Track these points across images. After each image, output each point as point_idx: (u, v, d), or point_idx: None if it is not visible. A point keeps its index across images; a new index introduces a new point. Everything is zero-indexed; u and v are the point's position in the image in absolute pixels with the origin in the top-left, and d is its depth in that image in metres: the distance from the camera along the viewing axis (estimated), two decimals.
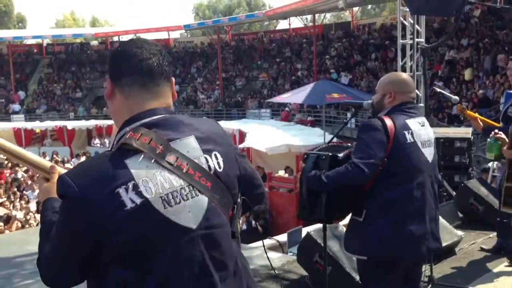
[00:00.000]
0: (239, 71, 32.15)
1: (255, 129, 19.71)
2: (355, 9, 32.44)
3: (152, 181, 1.36)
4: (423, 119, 2.90)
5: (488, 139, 4.15)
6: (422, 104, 8.04)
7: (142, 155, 1.38)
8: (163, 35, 37.75)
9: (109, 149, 1.48)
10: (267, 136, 17.87)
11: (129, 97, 1.49)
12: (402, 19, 8.52)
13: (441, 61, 20.48)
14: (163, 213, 1.36)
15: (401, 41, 8.53)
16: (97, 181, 1.34)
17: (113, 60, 1.54)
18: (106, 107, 32.16)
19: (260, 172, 15.62)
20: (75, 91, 34.79)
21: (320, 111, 19.68)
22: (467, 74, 17.68)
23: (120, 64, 1.51)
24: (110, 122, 26.27)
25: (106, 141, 25.95)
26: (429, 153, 2.82)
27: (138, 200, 1.34)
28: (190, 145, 1.45)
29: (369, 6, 45.31)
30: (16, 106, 33.41)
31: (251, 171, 1.71)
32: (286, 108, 23.97)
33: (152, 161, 1.38)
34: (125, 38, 37.55)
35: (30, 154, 1.82)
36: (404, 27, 8.63)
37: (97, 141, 26.20)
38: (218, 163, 1.49)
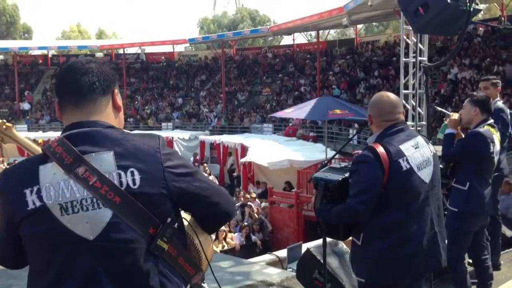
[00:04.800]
0: (243, 86, 32.28)
1: (257, 143, 19.75)
2: (359, 26, 32.64)
3: (55, 188, 1.50)
4: (416, 140, 2.81)
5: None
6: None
7: (53, 163, 1.53)
8: (168, 48, 38.02)
9: None
10: (269, 151, 17.89)
11: (65, 115, 1.64)
12: (405, 37, 8.57)
13: (444, 79, 20.55)
14: (59, 219, 1.48)
15: (404, 59, 8.57)
16: (15, 179, 1.56)
17: (55, 82, 1.69)
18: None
19: (262, 187, 15.62)
20: None
21: (322, 127, 19.70)
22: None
23: (58, 87, 1.67)
24: None
25: None
26: (426, 174, 2.76)
27: (38, 203, 1.49)
28: (104, 160, 1.52)
29: (373, 24, 45.55)
30: (26, 105, 33.74)
31: (197, 190, 1.65)
32: (290, 124, 24.03)
33: (61, 170, 1.51)
34: (130, 50, 37.89)
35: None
36: (407, 45, 8.68)
37: None
38: (134, 180, 1.52)
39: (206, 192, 1.67)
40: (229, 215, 1.79)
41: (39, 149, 2.07)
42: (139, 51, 38.45)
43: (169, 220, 1.57)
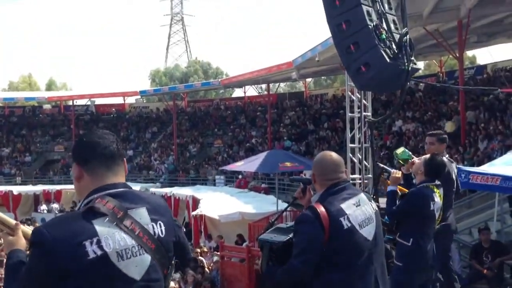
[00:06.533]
0: (194, 137, 32.28)
1: (208, 196, 19.55)
2: (308, 79, 33.64)
3: (112, 238, 1.76)
4: (358, 198, 2.84)
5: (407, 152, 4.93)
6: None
7: (107, 218, 1.78)
8: (118, 100, 37.70)
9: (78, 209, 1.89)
10: (220, 204, 17.73)
11: (96, 176, 1.91)
12: (350, 93, 8.91)
13: (389, 132, 21.28)
14: (117, 264, 1.75)
15: (350, 114, 8.88)
16: (68, 233, 1.73)
17: (80, 148, 1.97)
18: (54, 172, 31.72)
19: (216, 240, 15.33)
20: (24, 155, 33.85)
21: (274, 179, 19.81)
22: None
23: (87, 151, 1.94)
24: (59, 187, 25.45)
25: (54, 206, 25.04)
26: (368, 231, 2.77)
27: (99, 252, 1.72)
28: (142, 214, 1.87)
29: (322, 77, 47.09)
30: None
31: (184, 240, 2.16)
32: (240, 176, 24.03)
33: (114, 223, 1.78)
34: (79, 102, 37.35)
35: None
36: (352, 100, 9.01)
37: (44, 207, 25.18)
38: (161, 230, 1.90)
39: (185, 241, 2.18)
40: (191, 260, 2.35)
41: (10, 220, 2.14)
42: (89, 103, 38.00)
43: (173, 262, 1.97)
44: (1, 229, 2.13)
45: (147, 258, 1.82)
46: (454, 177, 5.30)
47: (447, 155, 5.50)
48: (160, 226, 1.89)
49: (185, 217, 21.16)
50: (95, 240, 1.72)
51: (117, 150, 1.96)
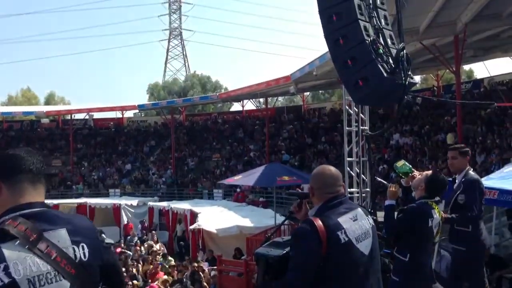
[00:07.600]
0: (192, 151, 32.28)
1: (206, 209, 19.52)
2: (306, 93, 33.74)
3: (22, 264, 1.61)
4: (355, 212, 2.84)
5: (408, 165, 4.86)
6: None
7: (17, 241, 1.64)
8: (116, 114, 37.76)
9: None
10: (218, 217, 17.69)
11: (17, 192, 1.78)
12: (347, 107, 8.95)
13: (387, 145, 21.32)
14: None
15: (347, 128, 8.91)
16: None
17: (4, 161, 1.83)
18: (51, 186, 31.72)
19: (209, 255, 15.29)
20: None
21: (272, 192, 19.78)
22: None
23: (13, 165, 1.81)
24: (56, 201, 25.37)
25: None
26: (365, 246, 2.77)
27: (6, 280, 1.57)
28: (61, 236, 1.73)
29: (320, 91, 47.21)
30: None
31: (114, 262, 2.03)
32: (238, 189, 23.98)
33: (25, 247, 1.64)
34: (77, 116, 37.37)
35: None
36: (350, 114, 9.04)
37: None
38: (84, 253, 1.77)
39: (117, 263, 2.05)
40: (124, 284, 2.19)
41: None
42: (87, 117, 38.03)
43: (100, 287, 1.85)
44: None
45: (65, 285, 1.67)
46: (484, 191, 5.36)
47: (471, 169, 5.40)
48: (83, 249, 1.76)
49: (177, 231, 21.04)
50: (2, 266, 1.58)
51: (42, 168, 1.87)
